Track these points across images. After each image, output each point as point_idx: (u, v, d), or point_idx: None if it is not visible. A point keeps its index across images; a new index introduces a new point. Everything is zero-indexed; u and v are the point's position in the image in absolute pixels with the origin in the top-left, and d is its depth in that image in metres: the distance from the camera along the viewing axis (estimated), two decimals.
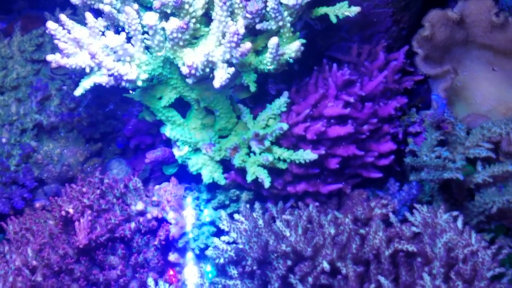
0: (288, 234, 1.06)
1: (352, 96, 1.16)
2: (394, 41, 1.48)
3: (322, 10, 1.14)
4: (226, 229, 1.08)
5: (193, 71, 0.97)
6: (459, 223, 1.02)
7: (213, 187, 1.22)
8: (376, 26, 1.41)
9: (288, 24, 1.06)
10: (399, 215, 1.12)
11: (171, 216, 1.16)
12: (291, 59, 1.06)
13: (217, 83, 0.97)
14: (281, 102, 1.13)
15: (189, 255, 1.19)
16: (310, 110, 1.13)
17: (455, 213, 1.06)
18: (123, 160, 1.34)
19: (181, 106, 1.22)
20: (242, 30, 0.98)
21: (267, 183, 1.08)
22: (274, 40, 1.00)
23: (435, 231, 1.04)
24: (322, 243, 1.05)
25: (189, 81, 1.01)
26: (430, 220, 1.04)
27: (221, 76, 1.00)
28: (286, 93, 1.14)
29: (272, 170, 1.16)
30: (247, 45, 0.98)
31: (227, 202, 1.21)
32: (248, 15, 1.02)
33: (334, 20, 1.13)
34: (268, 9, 1.02)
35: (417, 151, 1.15)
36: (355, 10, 1.10)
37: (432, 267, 0.98)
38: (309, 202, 1.17)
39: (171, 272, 1.18)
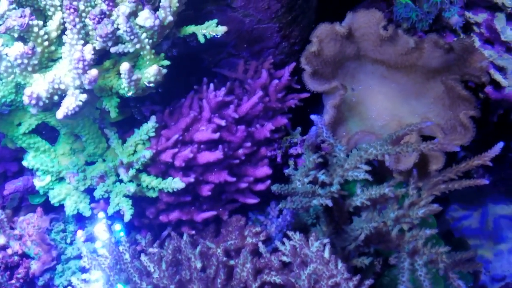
0: (152, 269, 1.00)
1: (227, 118, 1.12)
2: (286, 56, 1.44)
3: (190, 29, 1.08)
4: (87, 266, 1.01)
5: (33, 101, 0.89)
6: (326, 253, 1.00)
7: (83, 217, 1.15)
8: (264, 42, 1.37)
9: (148, 46, 1.00)
10: (276, 242, 1.08)
11: (32, 250, 1.08)
12: (151, 84, 1.00)
13: (60, 113, 0.90)
14: (148, 126, 1.07)
15: None
16: (181, 134, 1.08)
17: (325, 240, 1.03)
18: None
19: None
20: (89, 56, 0.91)
21: (127, 215, 1.02)
22: (125, 66, 0.93)
23: (304, 261, 1.01)
24: (188, 278, 1.00)
25: (33, 110, 0.93)
26: (299, 250, 1.01)
27: (68, 105, 0.92)
28: (153, 117, 1.08)
29: (145, 198, 1.10)
30: (93, 72, 0.91)
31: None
32: (99, 39, 0.95)
33: (202, 39, 1.07)
34: (120, 32, 0.96)
35: (291, 176, 1.12)
36: (221, 30, 1.05)
37: None
38: (184, 231, 1.12)
39: None
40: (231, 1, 1.21)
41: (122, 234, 1.17)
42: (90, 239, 1.13)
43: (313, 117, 1.20)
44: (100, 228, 1.14)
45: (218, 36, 1.06)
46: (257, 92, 1.14)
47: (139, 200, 1.11)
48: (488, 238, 1.76)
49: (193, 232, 1.12)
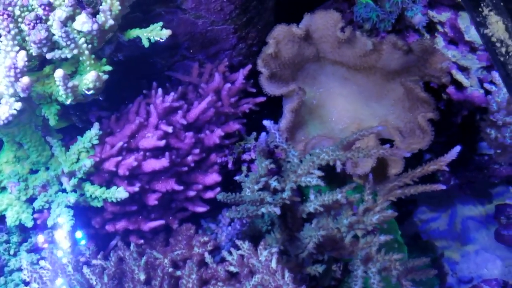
0: (94, 282, 0.97)
1: (175, 125, 1.09)
2: (245, 58, 1.41)
3: (135, 32, 1.05)
4: (27, 279, 0.98)
5: None
6: (273, 262, 0.97)
7: (28, 228, 1.11)
8: (220, 44, 1.34)
9: (87, 52, 0.96)
10: (223, 252, 1.05)
11: None
12: (90, 91, 0.96)
13: None
14: (91, 134, 1.04)
15: None
16: (126, 142, 1.05)
17: (273, 249, 1.01)
18: None
19: None
20: (21, 63, 0.87)
21: (66, 227, 0.98)
22: (58, 73, 0.90)
23: (252, 271, 0.98)
24: None
25: None
26: (246, 259, 0.98)
27: (1, 114, 0.88)
28: (96, 124, 1.04)
29: (91, 208, 1.07)
30: (24, 80, 0.87)
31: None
32: (33, 45, 0.91)
33: (146, 44, 1.04)
34: (56, 37, 0.92)
35: (242, 183, 1.09)
36: (165, 33, 1.02)
37: None
38: (132, 241, 1.09)
39: None
40: (180, 3, 1.18)
41: (83, 242, 1.14)
42: (34, 250, 1.10)
43: (265, 122, 1.18)
44: (60, 236, 1.10)
45: (163, 40, 1.02)
46: (207, 97, 1.11)
47: (85, 210, 1.08)
48: (456, 239, 1.75)
49: (142, 241, 1.09)
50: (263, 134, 1.08)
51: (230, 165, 1.14)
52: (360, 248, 1.11)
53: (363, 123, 1.43)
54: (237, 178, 1.08)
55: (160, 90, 1.12)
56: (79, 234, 1.10)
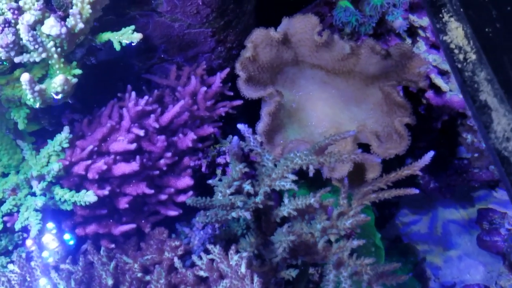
0: (61, 287, 0.96)
1: (148, 128, 1.08)
2: (224, 61, 1.41)
3: (106, 36, 1.04)
4: None
5: None
6: (243, 267, 0.97)
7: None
8: (198, 47, 1.33)
9: (56, 55, 0.96)
10: (193, 256, 1.05)
11: None
12: (59, 95, 0.96)
13: None
14: (61, 137, 1.03)
15: None
16: (97, 145, 1.04)
17: (244, 254, 1.01)
18: None
19: None
20: None
21: (33, 231, 0.98)
22: (24, 77, 0.89)
23: (222, 275, 0.98)
24: None
25: None
26: (215, 264, 0.98)
27: None
28: (66, 128, 1.04)
29: (61, 211, 1.06)
30: None
31: (10, 248, 1.10)
32: (1, 49, 0.91)
33: (117, 47, 1.03)
34: (23, 42, 0.92)
35: (214, 187, 1.08)
36: (136, 37, 1.01)
37: None
38: (103, 245, 1.08)
39: None
40: (156, 6, 1.18)
41: (72, 242, 1.13)
42: (4, 253, 1.09)
43: (239, 126, 1.17)
44: (48, 238, 1.10)
45: (134, 44, 1.02)
46: (180, 101, 1.10)
47: (56, 213, 1.08)
48: (437, 243, 1.75)
49: (113, 245, 1.08)
50: (235, 137, 1.08)
51: (204, 169, 1.13)
52: (333, 253, 1.11)
53: (342, 127, 1.43)
54: (210, 181, 1.07)
55: (133, 94, 1.11)
56: (49, 237, 1.10)
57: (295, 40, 1.36)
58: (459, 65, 0.67)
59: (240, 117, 1.38)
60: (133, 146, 1.02)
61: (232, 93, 1.30)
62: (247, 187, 1.10)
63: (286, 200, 1.15)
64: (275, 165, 1.15)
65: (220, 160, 1.17)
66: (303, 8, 1.60)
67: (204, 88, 1.19)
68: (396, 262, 1.67)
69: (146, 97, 1.10)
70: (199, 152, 1.15)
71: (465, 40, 0.68)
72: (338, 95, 1.45)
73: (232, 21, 1.33)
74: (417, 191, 1.17)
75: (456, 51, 0.68)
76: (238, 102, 1.29)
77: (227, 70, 1.30)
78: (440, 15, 0.72)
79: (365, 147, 1.32)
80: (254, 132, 1.34)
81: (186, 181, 1.09)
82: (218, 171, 1.17)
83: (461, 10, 0.70)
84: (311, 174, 1.11)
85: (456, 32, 0.69)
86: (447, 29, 0.70)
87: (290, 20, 1.34)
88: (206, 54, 1.36)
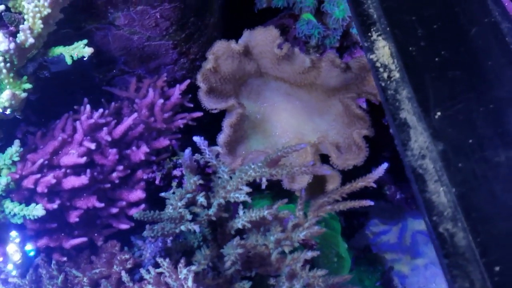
0: None
1: (101, 141, 1.09)
2: (188, 72, 1.42)
3: (58, 50, 1.05)
4: None
5: None
6: (189, 281, 0.97)
7: None
8: (160, 59, 1.34)
9: (4, 70, 0.96)
10: (141, 270, 1.05)
11: None
12: (7, 110, 0.96)
13: None
14: (12, 151, 1.03)
15: None
16: (48, 158, 1.04)
17: (193, 267, 1.01)
18: None
19: None
20: None
21: None
22: None
23: None
24: None
25: None
26: (162, 278, 0.98)
27: None
28: (17, 142, 1.04)
29: (13, 225, 1.06)
30: None
31: None
32: None
33: (69, 61, 1.04)
34: None
35: (166, 199, 1.09)
36: (88, 51, 1.02)
37: None
38: (55, 258, 1.08)
39: None
40: (113, 19, 1.19)
41: (32, 253, 1.13)
42: None
43: (195, 138, 1.18)
44: (12, 249, 1.09)
45: (85, 58, 1.03)
46: (133, 114, 1.11)
47: (9, 227, 1.08)
48: (405, 253, 1.76)
49: (64, 259, 1.08)
50: (187, 150, 1.08)
51: (157, 181, 1.14)
52: (286, 265, 1.11)
53: (305, 138, 1.44)
54: (163, 194, 1.08)
55: (88, 106, 1.12)
56: (13, 248, 1.10)
57: (256, 52, 1.37)
58: (383, 83, 0.68)
59: (208, 128, 1.39)
60: (83, 159, 1.02)
61: (192, 105, 1.31)
62: (200, 199, 1.11)
63: (241, 212, 1.15)
64: (231, 177, 1.16)
65: (176, 172, 1.17)
66: (269, 20, 1.62)
67: (161, 100, 1.19)
68: (364, 271, 1.69)
69: (100, 110, 1.11)
70: (154, 164, 1.15)
71: (390, 59, 0.69)
72: (302, 107, 1.47)
73: (194, 34, 1.34)
74: (371, 203, 1.18)
75: (381, 69, 0.69)
76: (198, 114, 1.29)
77: (187, 82, 1.31)
78: (369, 34, 0.73)
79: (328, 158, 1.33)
80: (215, 144, 1.35)
81: (138, 194, 1.09)
82: (174, 184, 1.17)
83: (388, 29, 0.71)
84: (263, 186, 1.12)
85: (383, 51, 0.70)
86: (374, 47, 0.71)
87: (251, 33, 1.35)
88: (168, 66, 1.37)
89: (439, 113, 0.61)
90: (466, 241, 0.51)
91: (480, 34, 0.67)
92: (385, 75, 0.69)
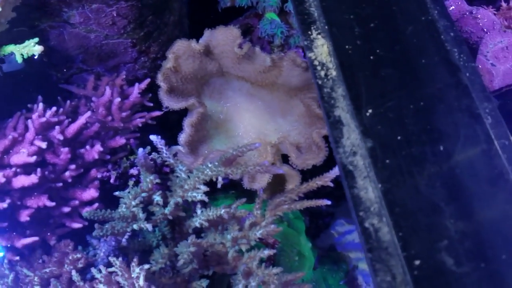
0: None
1: (53, 140, 1.07)
2: (150, 70, 1.41)
3: (9, 48, 1.04)
4: None
5: None
6: (141, 280, 0.97)
7: None
8: (119, 57, 1.33)
9: None
10: (92, 269, 1.04)
11: None
12: None
13: None
14: None
15: None
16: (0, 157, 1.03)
17: (146, 266, 1.00)
18: None
19: None
20: None
21: None
22: None
23: None
24: None
25: None
26: (114, 277, 0.98)
27: None
28: None
29: None
30: None
31: None
32: None
33: (19, 60, 1.03)
34: None
35: (120, 198, 1.08)
36: (37, 50, 1.01)
37: None
38: (7, 257, 1.07)
39: None
40: (68, 18, 1.17)
41: (1, 254, 1.11)
42: None
43: (152, 137, 1.17)
44: None
45: (36, 57, 1.01)
46: (87, 112, 1.10)
47: None
48: None
49: (17, 258, 1.07)
50: (140, 149, 1.07)
51: (112, 180, 1.13)
52: (242, 263, 1.11)
53: (267, 138, 1.44)
54: (116, 193, 1.07)
55: (41, 105, 1.10)
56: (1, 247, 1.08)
57: (217, 51, 1.37)
58: (320, 82, 0.69)
59: (172, 127, 1.38)
60: (33, 159, 1.01)
61: (152, 104, 1.30)
62: (157, 198, 1.10)
63: (198, 211, 1.15)
64: (189, 176, 1.16)
65: (133, 171, 1.16)
66: (234, 20, 1.62)
67: (118, 99, 1.19)
68: (328, 270, 1.69)
69: (54, 108, 1.09)
70: (109, 163, 1.14)
71: (328, 57, 0.70)
72: (264, 107, 1.47)
73: (153, 32, 1.34)
74: (329, 202, 1.19)
75: (319, 67, 0.70)
76: (157, 113, 1.29)
77: (147, 81, 1.30)
78: (309, 32, 0.73)
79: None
80: (176, 143, 1.35)
81: (91, 193, 1.08)
82: (131, 183, 1.16)
83: (326, 27, 0.72)
84: (219, 186, 1.12)
85: (322, 49, 0.71)
86: (313, 46, 0.72)
87: (212, 32, 1.35)
88: (128, 64, 1.36)
89: (370, 111, 0.62)
90: (390, 235, 0.52)
91: (416, 33, 0.69)
92: (323, 73, 0.69)
